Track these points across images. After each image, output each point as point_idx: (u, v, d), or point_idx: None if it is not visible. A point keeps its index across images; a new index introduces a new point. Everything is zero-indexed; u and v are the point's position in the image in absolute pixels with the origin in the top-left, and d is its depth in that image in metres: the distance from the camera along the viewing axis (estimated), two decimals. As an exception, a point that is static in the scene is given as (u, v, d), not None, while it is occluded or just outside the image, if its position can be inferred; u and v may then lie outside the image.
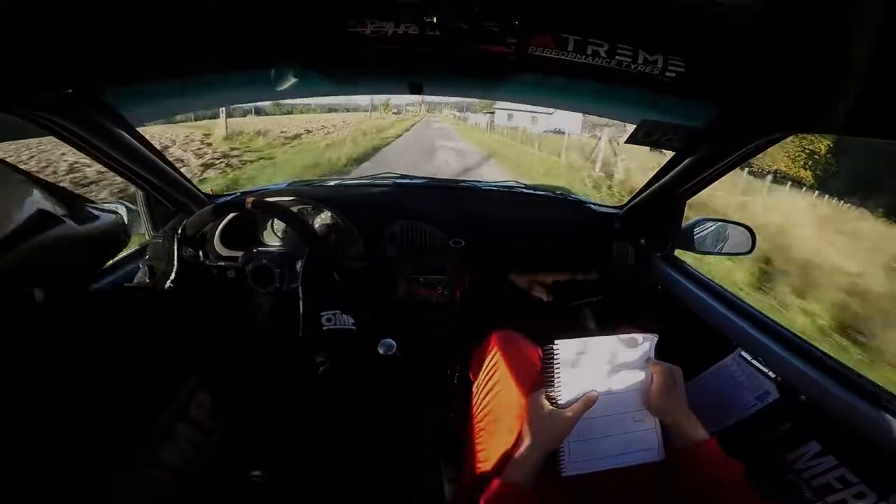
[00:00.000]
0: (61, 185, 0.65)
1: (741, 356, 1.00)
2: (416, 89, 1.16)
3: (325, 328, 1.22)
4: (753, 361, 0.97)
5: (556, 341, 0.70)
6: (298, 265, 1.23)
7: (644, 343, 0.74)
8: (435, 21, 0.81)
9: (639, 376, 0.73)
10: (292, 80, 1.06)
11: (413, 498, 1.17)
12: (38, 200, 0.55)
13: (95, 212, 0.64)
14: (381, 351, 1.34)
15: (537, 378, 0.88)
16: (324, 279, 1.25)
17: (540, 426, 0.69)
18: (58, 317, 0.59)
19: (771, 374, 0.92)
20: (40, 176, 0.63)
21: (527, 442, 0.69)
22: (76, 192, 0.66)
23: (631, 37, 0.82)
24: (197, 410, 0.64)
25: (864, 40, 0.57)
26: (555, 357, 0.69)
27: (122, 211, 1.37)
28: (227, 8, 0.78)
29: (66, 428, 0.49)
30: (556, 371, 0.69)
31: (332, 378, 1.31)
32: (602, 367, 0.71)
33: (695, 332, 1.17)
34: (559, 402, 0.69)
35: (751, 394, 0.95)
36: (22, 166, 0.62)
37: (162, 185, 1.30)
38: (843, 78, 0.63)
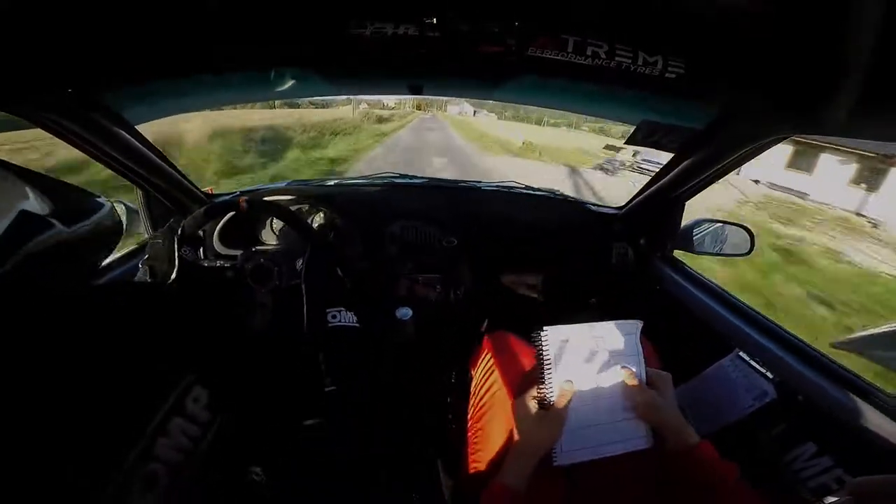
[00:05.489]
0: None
1: (739, 356, 1.00)
2: (415, 90, 1.16)
3: (330, 325, 1.21)
4: (751, 362, 0.97)
5: (544, 327, 0.69)
6: (299, 263, 1.22)
7: (630, 329, 0.73)
8: (435, 22, 0.82)
9: (629, 363, 0.72)
10: (292, 81, 1.07)
11: (412, 498, 1.17)
12: (22, 200, 0.51)
13: (87, 205, 0.60)
14: (398, 315, 1.43)
15: (529, 377, 0.89)
16: (327, 275, 1.25)
17: (529, 430, 0.69)
18: (54, 313, 0.59)
19: (769, 374, 0.93)
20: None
21: (518, 445, 0.69)
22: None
23: (631, 38, 0.82)
24: (193, 405, 0.64)
25: (863, 41, 0.57)
26: (543, 343, 0.69)
27: (122, 209, 1.38)
28: (227, 8, 0.78)
29: (61, 423, 0.49)
30: (544, 359, 0.69)
31: (330, 376, 1.31)
32: (591, 354, 0.71)
33: (693, 333, 1.17)
34: (549, 397, 0.69)
35: (748, 394, 0.95)
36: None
37: (161, 185, 1.30)
38: (842, 78, 0.63)
